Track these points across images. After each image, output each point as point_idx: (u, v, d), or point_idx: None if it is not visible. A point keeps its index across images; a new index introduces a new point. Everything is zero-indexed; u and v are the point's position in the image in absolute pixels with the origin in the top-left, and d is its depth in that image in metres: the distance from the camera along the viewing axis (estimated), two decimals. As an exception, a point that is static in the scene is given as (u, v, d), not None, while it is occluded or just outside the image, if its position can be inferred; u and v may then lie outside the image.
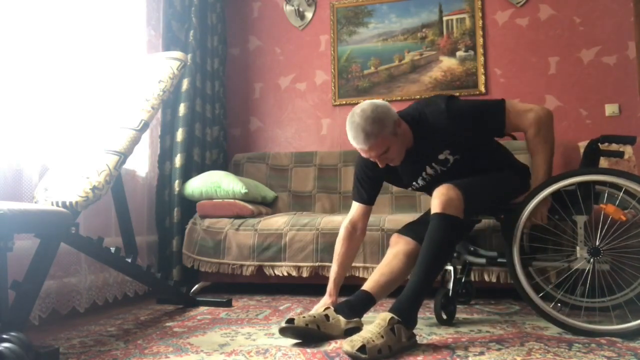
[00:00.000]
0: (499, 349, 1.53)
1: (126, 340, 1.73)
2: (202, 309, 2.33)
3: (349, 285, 2.58)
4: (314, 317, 1.65)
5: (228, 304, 2.38)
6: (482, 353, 1.49)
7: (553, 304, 1.85)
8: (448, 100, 1.80)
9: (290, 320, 1.59)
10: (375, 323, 1.51)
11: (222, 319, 2.07)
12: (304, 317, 1.63)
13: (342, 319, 1.68)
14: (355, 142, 1.74)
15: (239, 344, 1.63)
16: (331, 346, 1.59)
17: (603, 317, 1.87)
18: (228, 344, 1.64)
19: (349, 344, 1.42)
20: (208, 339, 1.71)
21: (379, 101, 1.78)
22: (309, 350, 1.54)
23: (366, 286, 1.79)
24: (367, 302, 1.76)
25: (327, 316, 1.67)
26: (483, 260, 2.04)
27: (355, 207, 2.03)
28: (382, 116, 1.70)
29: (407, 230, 1.99)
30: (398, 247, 1.91)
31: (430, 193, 1.82)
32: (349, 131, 1.74)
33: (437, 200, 1.68)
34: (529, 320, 1.95)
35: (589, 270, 1.74)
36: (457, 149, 1.83)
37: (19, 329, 1.33)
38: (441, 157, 1.85)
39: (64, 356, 1.53)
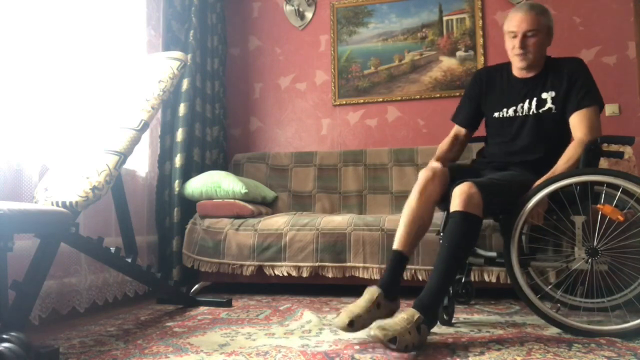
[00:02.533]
0: (498, 349, 1.53)
1: (126, 340, 1.73)
2: (202, 309, 2.33)
3: (349, 285, 2.60)
4: (370, 311, 1.64)
5: (228, 304, 2.38)
6: (482, 353, 1.49)
7: (552, 304, 1.86)
8: (582, 60, 2.02)
9: (351, 323, 1.57)
10: (403, 318, 1.52)
11: (222, 319, 2.07)
12: (361, 315, 1.60)
13: (389, 303, 1.71)
14: (515, 11, 1.96)
15: (239, 344, 1.63)
16: (331, 346, 1.59)
17: (602, 318, 1.88)
18: (228, 344, 1.64)
19: (381, 332, 1.45)
20: (208, 339, 1.71)
21: None
22: (309, 351, 1.54)
23: (403, 246, 1.78)
24: (403, 267, 1.80)
25: (378, 304, 1.67)
26: (481, 261, 2.04)
27: (453, 130, 2.22)
28: (548, 12, 1.98)
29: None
30: (432, 194, 1.85)
31: (505, 135, 2.04)
32: (513, 9, 1.98)
33: (458, 198, 1.69)
34: (529, 320, 1.95)
35: (587, 270, 1.74)
36: (558, 98, 1.96)
37: (19, 329, 1.33)
38: (544, 95, 1.98)
39: (64, 356, 1.53)
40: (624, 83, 3.16)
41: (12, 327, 1.34)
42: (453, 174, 1.91)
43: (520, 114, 2.03)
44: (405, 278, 2.38)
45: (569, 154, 1.86)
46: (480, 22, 3.38)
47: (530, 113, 2.01)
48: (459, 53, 3.40)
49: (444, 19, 3.46)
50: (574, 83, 1.94)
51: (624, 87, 3.16)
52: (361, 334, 1.69)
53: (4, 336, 1.27)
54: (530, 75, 2.03)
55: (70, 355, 1.54)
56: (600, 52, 3.21)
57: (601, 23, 3.22)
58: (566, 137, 2.01)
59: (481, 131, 2.25)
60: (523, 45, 1.94)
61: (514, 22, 1.95)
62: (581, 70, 1.96)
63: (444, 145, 2.20)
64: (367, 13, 3.58)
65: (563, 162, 1.85)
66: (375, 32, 3.56)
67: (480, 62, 3.35)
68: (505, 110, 2.07)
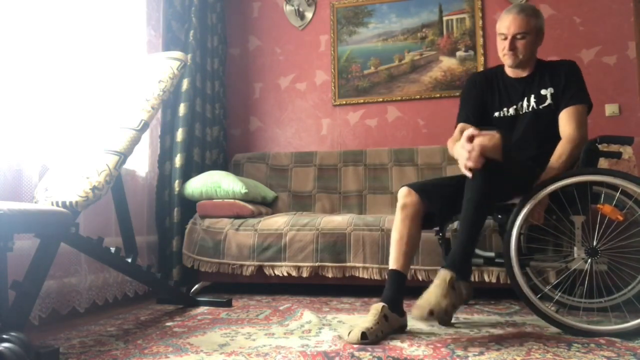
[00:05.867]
0: (498, 349, 1.53)
1: (126, 340, 1.73)
2: (202, 309, 2.33)
3: (348, 285, 2.60)
4: (378, 323, 1.67)
5: (228, 304, 2.38)
6: (481, 353, 1.49)
7: (551, 304, 1.86)
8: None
9: (364, 336, 1.60)
10: (436, 284, 1.59)
11: (222, 319, 2.07)
12: (371, 328, 1.63)
13: (395, 315, 1.75)
14: (506, 13, 2.00)
15: (239, 344, 1.64)
16: (331, 346, 1.59)
17: (601, 317, 1.88)
18: (228, 344, 1.65)
19: (418, 310, 1.53)
20: (208, 339, 1.71)
21: None
22: (308, 351, 1.54)
23: (398, 265, 1.83)
24: (403, 284, 1.84)
25: (385, 316, 1.70)
26: (481, 261, 2.05)
27: (457, 128, 2.14)
28: (539, 13, 2.01)
29: (420, 190, 1.93)
30: (410, 210, 1.89)
31: (507, 135, 1.96)
32: (505, 11, 2.02)
33: (476, 149, 1.63)
34: (529, 321, 1.95)
35: (586, 270, 1.74)
36: (557, 95, 1.98)
37: (19, 329, 1.33)
38: (543, 92, 2.01)
39: (64, 356, 1.53)
40: (624, 83, 3.16)
41: (12, 327, 1.34)
42: (432, 195, 1.91)
43: (521, 112, 2.05)
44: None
45: (560, 151, 1.88)
46: (480, 22, 3.38)
47: (530, 109, 2.02)
48: (459, 53, 3.40)
49: (444, 19, 3.46)
50: (568, 82, 1.98)
51: (624, 87, 3.16)
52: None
53: (4, 336, 1.27)
54: (524, 74, 2.07)
55: (70, 355, 1.54)
56: (600, 52, 3.21)
57: (601, 23, 3.22)
58: (559, 134, 2.02)
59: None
60: (512, 47, 1.99)
61: (504, 24, 1.99)
62: (576, 71, 2.00)
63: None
64: (367, 13, 3.58)
65: (555, 159, 1.87)
66: (375, 32, 3.56)
67: (480, 62, 3.35)
68: (505, 109, 2.08)
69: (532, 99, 2.03)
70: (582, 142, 1.87)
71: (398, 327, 1.76)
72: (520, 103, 2.05)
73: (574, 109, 1.93)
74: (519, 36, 1.97)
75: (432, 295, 1.56)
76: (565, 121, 1.93)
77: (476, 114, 2.12)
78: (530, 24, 1.96)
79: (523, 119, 2.03)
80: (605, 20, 3.21)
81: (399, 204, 1.92)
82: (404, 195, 1.91)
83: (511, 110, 2.07)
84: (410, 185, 1.92)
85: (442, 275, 1.61)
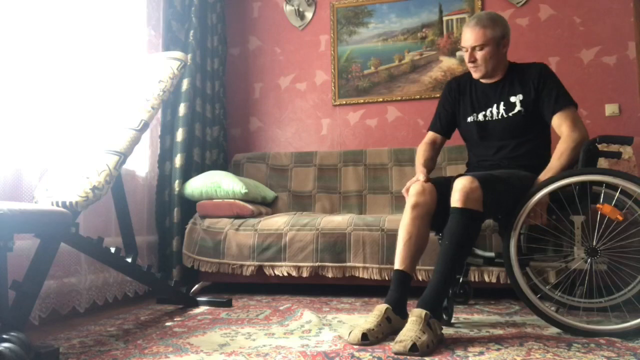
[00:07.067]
0: (498, 349, 1.53)
1: (126, 340, 1.73)
2: (202, 309, 2.33)
3: (348, 285, 2.60)
4: (380, 325, 1.67)
5: (228, 304, 2.38)
6: (481, 353, 1.49)
7: (551, 304, 1.86)
8: (545, 64, 2.07)
9: (365, 337, 1.60)
10: (412, 320, 1.58)
11: (222, 319, 2.07)
12: (373, 329, 1.64)
13: (399, 317, 1.74)
14: (465, 25, 2.03)
15: (239, 344, 1.64)
16: (330, 347, 1.59)
17: (601, 317, 1.88)
18: (228, 344, 1.65)
19: (400, 345, 1.49)
20: (208, 339, 1.71)
21: (504, 17, 2.06)
22: (308, 352, 1.54)
23: (404, 266, 1.81)
24: (408, 285, 1.83)
25: (388, 318, 1.71)
26: (480, 261, 2.05)
27: (431, 134, 2.24)
28: (497, 21, 2.01)
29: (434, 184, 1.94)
30: (423, 210, 1.87)
31: (481, 138, 2.07)
32: (467, 23, 2.04)
33: (458, 193, 1.70)
34: (529, 321, 1.95)
35: (586, 270, 1.74)
36: (527, 100, 2.00)
37: (19, 329, 1.33)
38: (512, 99, 2.02)
39: (64, 356, 1.53)
40: (624, 83, 3.16)
41: (12, 327, 1.34)
42: (441, 188, 1.91)
43: (490, 118, 2.06)
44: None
45: (560, 149, 1.88)
46: (480, 22, 3.38)
47: (500, 117, 2.04)
48: (459, 53, 3.40)
49: (444, 19, 3.46)
50: (543, 87, 1.98)
51: (624, 87, 3.16)
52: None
53: (4, 336, 1.27)
54: (493, 80, 2.08)
55: (70, 355, 1.54)
56: (600, 52, 3.21)
57: (601, 23, 3.22)
58: (542, 137, 2.04)
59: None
60: (473, 59, 2.02)
61: (464, 38, 2.04)
62: (548, 74, 2.01)
63: (426, 152, 2.17)
64: (367, 13, 3.58)
65: (556, 158, 1.87)
66: (375, 32, 3.56)
67: (480, 62, 3.35)
68: (475, 114, 2.10)
69: (502, 107, 2.04)
70: (581, 139, 1.87)
71: (399, 329, 1.75)
72: (490, 110, 2.07)
73: (565, 113, 1.93)
74: (477, 48, 2.00)
75: (410, 331, 1.53)
76: (560, 124, 1.93)
77: (446, 124, 2.21)
78: (486, 35, 1.98)
79: (495, 124, 2.05)
80: (605, 20, 3.21)
81: (410, 202, 1.86)
82: (416, 193, 1.86)
83: (480, 117, 2.09)
84: (425, 184, 1.89)
85: (417, 312, 1.59)
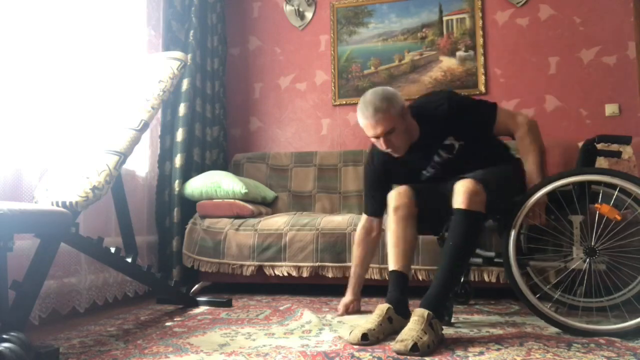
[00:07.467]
0: (498, 349, 1.53)
1: (126, 340, 1.73)
2: (202, 309, 2.33)
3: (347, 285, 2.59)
4: (381, 325, 1.68)
5: (228, 304, 2.38)
6: (481, 353, 1.49)
7: (550, 304, 1.86)
8: (448, 93, 1.96)
9: (365, 337, 1.60)
10: (414, 320, 1.58)
11: (222, 319, 2.07)
12: (373, 329, 1.64)
13: (400, 317, 1.75)
14: (363, 117, 1.82)
15: (239, 344, 1.64)
16: (331, 347, 1.59)
17: (601, 317, 1.88)
18: (228, 344, 1.65)
19: (402, 344, 1.49)
20: (208, 339, 1.71)
21: (389, 87, 1.90)
22: (308, 352, 1.54)
23: (398, 266, 1.84)
24: (406, 284, 1.85)
25: (390, 318, 1.71)
26: (480, 260, 2.05)
27: (369, 219, 2.14)
28: (391, 97, 1.82)
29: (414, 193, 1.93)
30: (404, 212, 1.90)
31: (441, 186, 1.89)
32: (359, 109, 1.83)
33: (462, 195, 1.70)
34: (529, 321, 1.95)
35: (585, 270, 1.74)
36: (461, 135, 1.90)
37: (19, 329, 1.33)
38: (447, 142, 1.92)
39: (64, 356, 1.53)
40: (624, 83, 3.16)
41: (12, 327, 1.34)
42: (421, 191, 1.93)
43: (441, 163, 1.95)
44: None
45: (525, 142, 1.87)
46: (480, 22, 3.38)
47: (447, 159, 1.93)
48: (459, 53, 3.40)
49: (444, 19, 3.46)
50: (462, 116, 1.87)
51: (624, 87, 3.16)
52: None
53: (4, 336, 1.27)
54: (415, 141, 1.92)
55: (70, 355, 1.54)
56: (600, 52, 3.21)
57: (601, 23, 3.22)
58: (492, 139, 2.01)
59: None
60: (388, 145, 1.84)
61: (368, 130, 1.83)
62: (455, 105, 1.88)
63: (361, 249, 2.14)
64: (367, 13, 3.58)
65: (535, 169, 1.84)
66: (375, 32, 3.56)
67: (480, 62, 3.35)
68: (424, 172, 2.00)
69: (443, 153, 1.92)
70: (528, 120, 1.89)
71: (400, 329, 1.75)
72: (432, 161, 1.95)
73: (498, 119, 1.90)
74: (387, 134, 1.81)
75: (412, 330, 1.53)
76: (505, 126, 1.91)
77: (384, 205, 2.01)
78: (390, 116, 1.78)
79: (448, 164, 1.94)
80: (605, 20, 3.21)
81: (391, 206, 1.91)
82: (395, 197, 1.91)
83: (429, 169, 1.98)
84: (401, 187, 1.92)
85: (420, 312, 1.59)
